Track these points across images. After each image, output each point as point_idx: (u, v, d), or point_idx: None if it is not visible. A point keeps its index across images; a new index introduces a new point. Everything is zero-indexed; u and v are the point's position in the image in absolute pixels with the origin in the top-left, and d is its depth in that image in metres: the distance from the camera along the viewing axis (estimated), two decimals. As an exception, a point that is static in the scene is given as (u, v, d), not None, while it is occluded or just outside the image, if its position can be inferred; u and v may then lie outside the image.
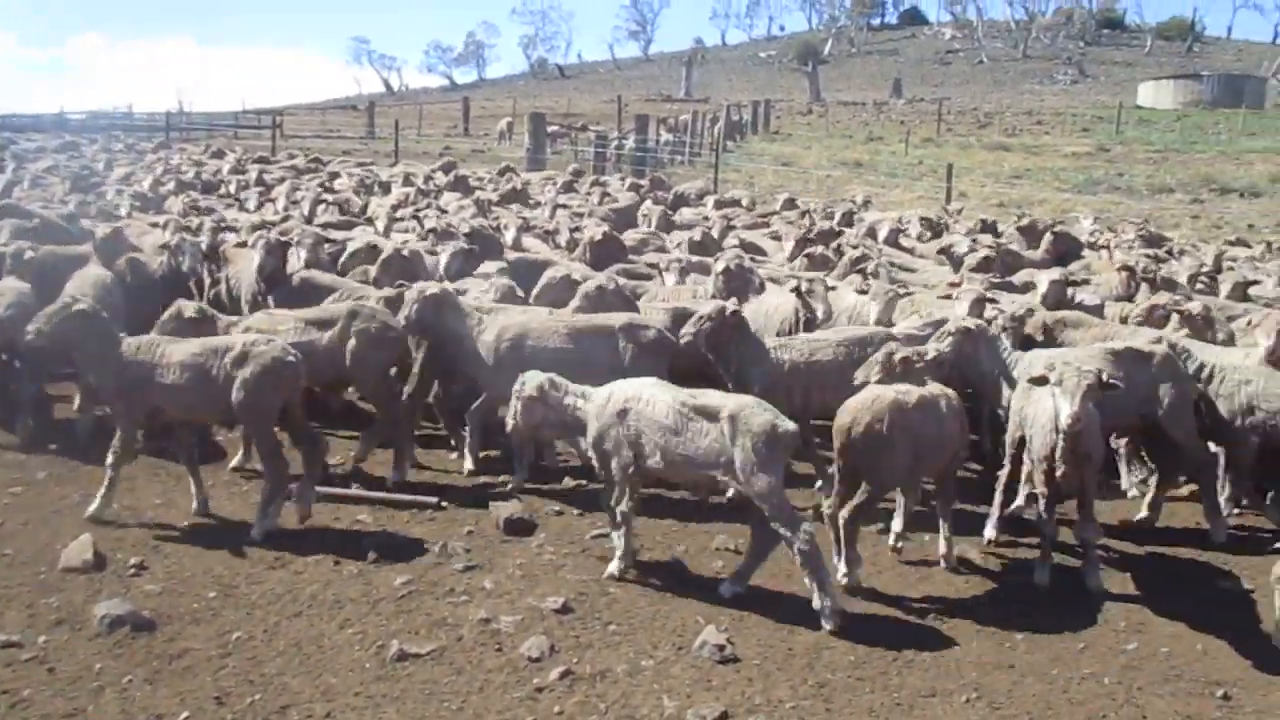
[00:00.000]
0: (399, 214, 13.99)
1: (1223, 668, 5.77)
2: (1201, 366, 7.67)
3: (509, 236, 11.97)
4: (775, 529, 5.96)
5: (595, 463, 6.52)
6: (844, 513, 6.44)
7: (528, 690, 5.26)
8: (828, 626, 5.90)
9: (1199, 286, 10.56)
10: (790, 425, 6.03)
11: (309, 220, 13.88)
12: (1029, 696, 5.40)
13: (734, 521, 7.19)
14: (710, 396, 6.28)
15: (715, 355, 7.67)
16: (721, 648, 5.64)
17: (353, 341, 7.91)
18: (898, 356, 6.75)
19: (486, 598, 6.20)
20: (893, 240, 13.35)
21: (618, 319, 7.97)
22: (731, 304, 7.87)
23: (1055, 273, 9.73)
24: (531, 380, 6.54)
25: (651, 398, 6.28)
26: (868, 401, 6.41)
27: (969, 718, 5.20)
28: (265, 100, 67.23)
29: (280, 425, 7.10)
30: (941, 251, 12.33)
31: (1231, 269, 11.82)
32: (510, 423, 6.70)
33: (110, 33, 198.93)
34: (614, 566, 6.53)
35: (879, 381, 6.65)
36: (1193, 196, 27.18)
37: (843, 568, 6.46)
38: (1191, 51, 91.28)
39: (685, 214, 16.34)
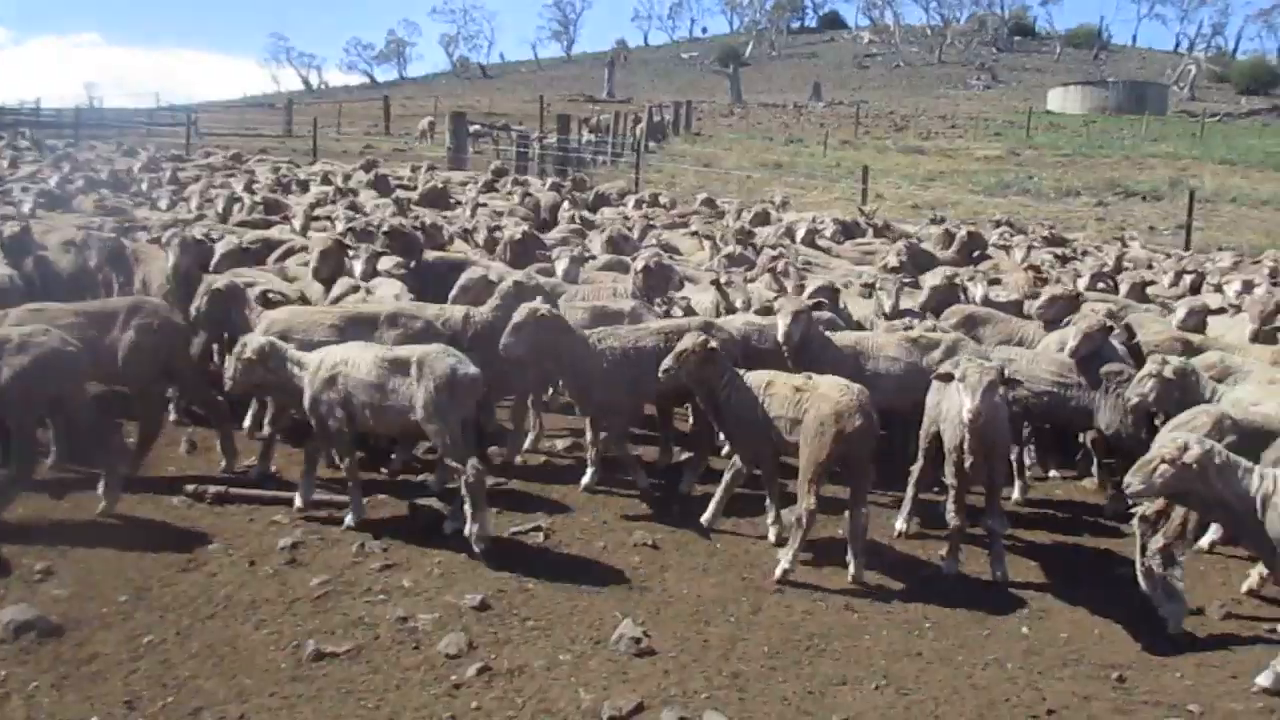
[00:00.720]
0: (316, 213, 13.84)
1: (1119, 651, 6.01)
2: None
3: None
4: (447, 463, 6.71)
5: (313, 423, 7.03)
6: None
7: (445, 687, 5.28)
8: (478, 549, 6.57)
9: (1100, 286, 10.93)
10: (470, 370, 6.66)
11: (224, 219, 13.69)
12: (935, 682, 5.57)
13: (652, 520, 7.29)
14: (402, 349, 6.93)
15: None
16: (638, 640, 5.72)
17: (130, 335, 7.67)
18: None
19: (404, 596, 6.20)
20: (809, 240, 13.58)
21: (386, 308, 8.10)
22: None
23: (938, 274, 9.86)
24: (252, 343, 7.00)
25: (357, 359, 6.86)
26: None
27: (877, 704, 5.34)
28: (181, 99, 65.72)
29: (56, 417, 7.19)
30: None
31: (1131, 269, 12.26)
32: (228, 381, 7.12)
33: (15, 28, 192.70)
34: (349, 519, 7.04)
35: None
36: (1098, 199, 28.08)
37: None
38: (1099, 59, 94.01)
39: (606, 213, 16.44)
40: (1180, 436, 5.64)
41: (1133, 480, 5.55)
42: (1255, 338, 8.74)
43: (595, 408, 7.77)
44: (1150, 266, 12.98)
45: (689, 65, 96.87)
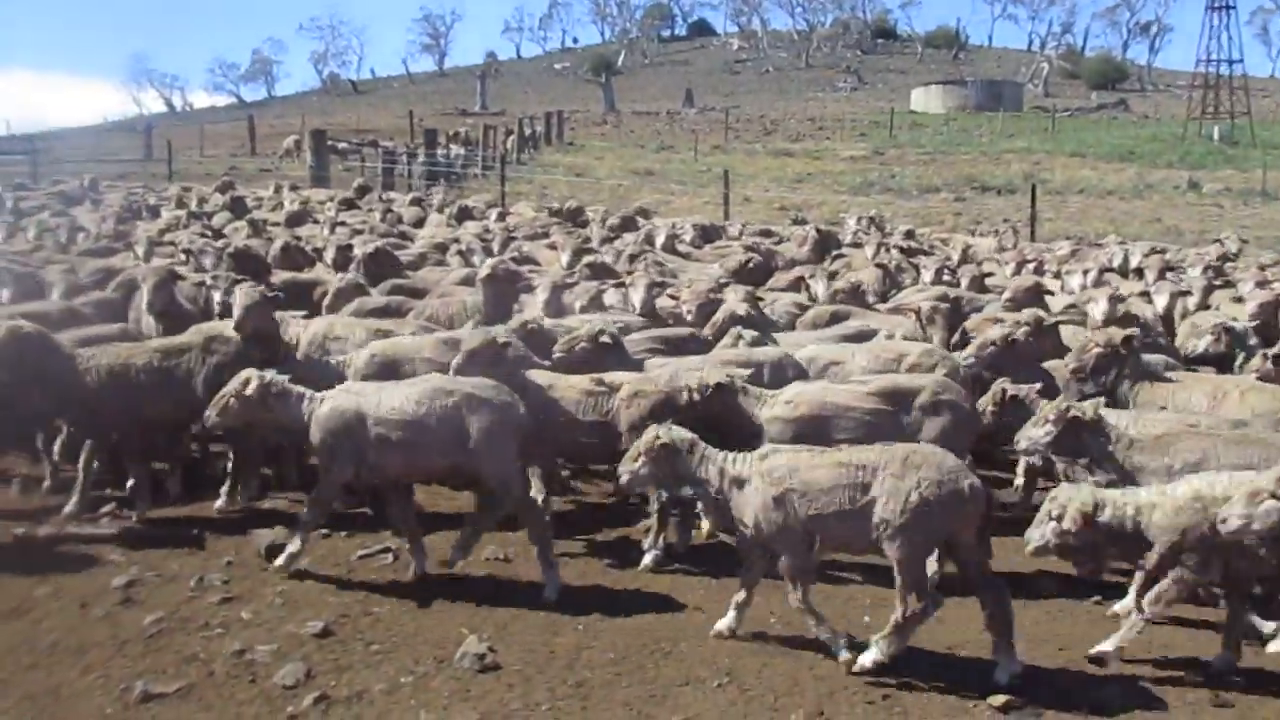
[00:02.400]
0: (166, 238, 13.44)
1: (958, 632, 6.18)
2: None
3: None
4: None
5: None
6: None
7: (281, 719, 5.15)
8: None
9: (944, 279, 11.29)
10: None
11: (65, 249, 13.19)
12: (777, 676, 5.64)
13: (506, 530, 7.24)
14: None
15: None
16: (482, 657, 5.67)
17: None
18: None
19: (243, 629, 6.03)
20: (669, 246, 13.71)
21: (204, 330, 7.87)
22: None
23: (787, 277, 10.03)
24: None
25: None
26: None
27: (719, 702, 5.39)
28: (35, 125, 62.93)
29: None
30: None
31: (977, 262, 12.70)
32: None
33: None
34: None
35: None
36: (956, 195, 29.04)
37: None
38: (958, 59, 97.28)
39: (470, 228, 16.32)
40: None
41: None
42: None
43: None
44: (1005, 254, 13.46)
45: (562, 76, 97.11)
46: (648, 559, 7.00)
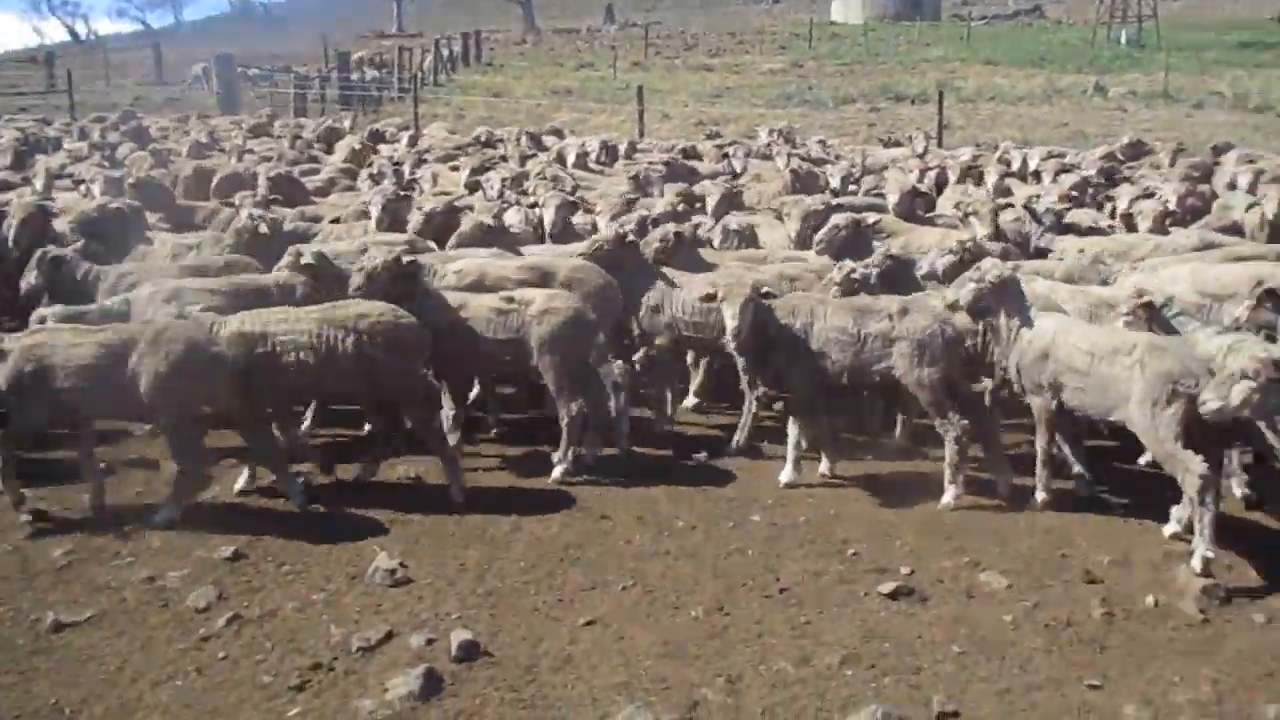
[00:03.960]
0: (67, 171, 13.09)
1: (852, 528, 6.46)
2: None
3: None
4: None
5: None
6: None
7: (193, 641, 5.25)
8: None
9: (850, 189, 11.46)
10: None
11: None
12: (680, 576, 5.88)
13: (417, 454, 7.34)
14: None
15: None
16: (393, 572, 5.81)
17: None
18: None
19: (153, 556, 6.10)
20: (581, 164, 13.70)
21: None
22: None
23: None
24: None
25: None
26: None
27: (623, 603, 5.61)
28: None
29: None
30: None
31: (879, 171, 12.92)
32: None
33: None
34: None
35: None
36: (872, 106, 29.18)
37: None
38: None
39: (384, 151, 16.10)
40: None
41: None
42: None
43: None
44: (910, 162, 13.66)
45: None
46: (557, 471, 7.17)
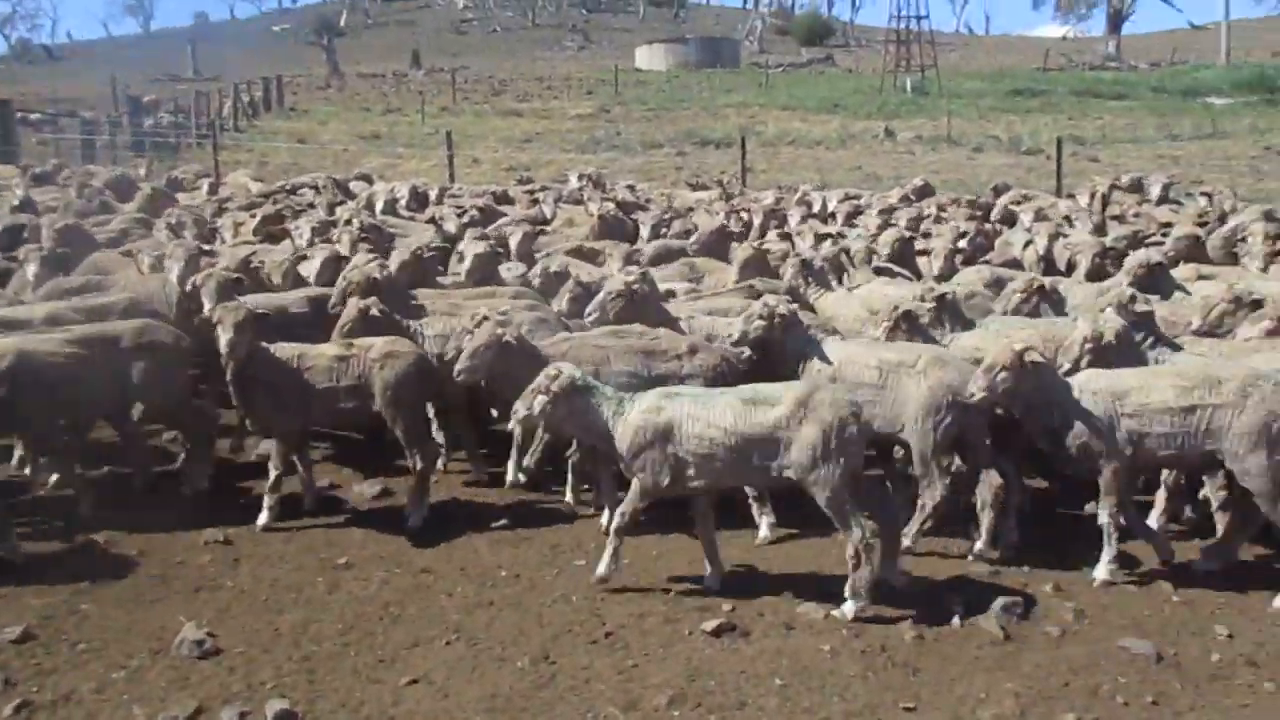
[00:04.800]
0: None
1: (674, 567, 6.52)
2: None
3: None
4: None
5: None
6: None
7: (-25, 734, 4.85)
8: None
9: (663, 233, 11.71)
10: None
11: None
12: (505, 627, 5.80)
13: (224, 523, 7.03)
14: None
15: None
16: (201, 643, 5.51)
17: None
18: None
19: (-70, 644, 5.61)
20: (390, 210, 13.51)
21: None
22: None
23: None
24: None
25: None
26: None
27: (447, 658, 5.49)
28: None
29: None
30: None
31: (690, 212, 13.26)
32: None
33: None
34: None
35: None
36: (678, 150, 29.97)
37: None
38: (678, 17, 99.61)
39: (182, 199, 15.42)
40: None
41: None
42: None
43: None
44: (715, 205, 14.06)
45: (282, 38, 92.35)
46: (414, 520, 7.07)
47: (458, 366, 6.67)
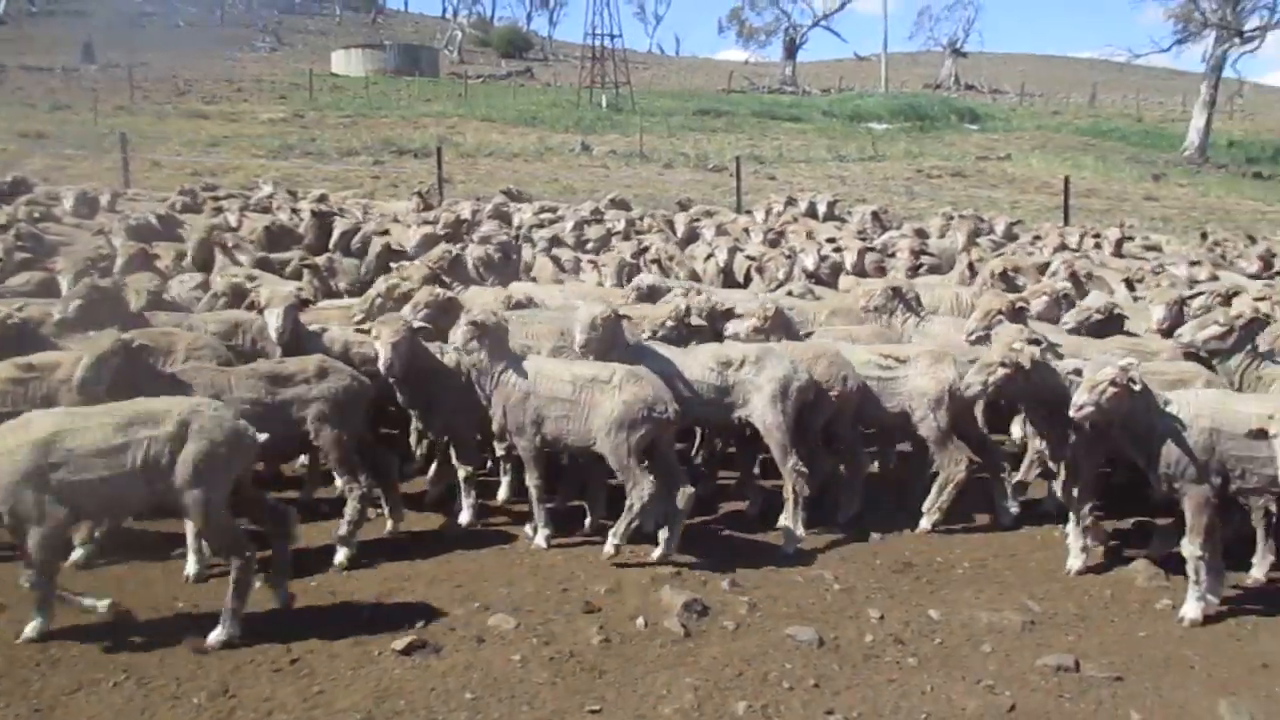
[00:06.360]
0: None
1: (362, 589, 6.43)
2: None
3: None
4: None
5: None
6: None
7: None
8: None
9: (354, 242, 11.48)
10: None
11: None
12: (180, 663, 5.48)
13: None
14: None
15: None
16: None
17: None
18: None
19: None
20: (48, 216, 12.48)
21: None
22: None
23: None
24: None
25: None
26: None
27: (114, 702, 5.14)
28: None
29: None
30: None
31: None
32: None
33: None
34: None
35: None
36: (375, 158, 29.40)
37: None
38: (376, 22, 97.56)
39: None
40: None
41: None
42: None
43: None
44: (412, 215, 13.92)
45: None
46: (340, 555, 6.76)
47: None
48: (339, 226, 11.86)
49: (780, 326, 8.10)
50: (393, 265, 9.98)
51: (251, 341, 7.84)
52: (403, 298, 8.16)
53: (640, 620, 6.05)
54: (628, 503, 6.73)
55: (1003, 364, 6.66)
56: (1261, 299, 8.61)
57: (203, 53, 75.78)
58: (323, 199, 14.73)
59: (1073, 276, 9.94)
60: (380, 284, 8.49)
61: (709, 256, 11.20)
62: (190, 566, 6.47)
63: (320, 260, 10.31)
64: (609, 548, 6.74)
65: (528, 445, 6.95)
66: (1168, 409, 6.22)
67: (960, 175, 33.18)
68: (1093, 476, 6.99)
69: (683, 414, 6.96)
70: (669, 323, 7.90)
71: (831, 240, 12.17)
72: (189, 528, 6.37)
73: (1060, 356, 7.05)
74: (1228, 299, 8.62)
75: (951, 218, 14.61)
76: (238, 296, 8.41)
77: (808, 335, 8.33)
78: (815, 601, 6.45)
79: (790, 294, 9.54)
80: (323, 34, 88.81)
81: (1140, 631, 6.18)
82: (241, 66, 67.49)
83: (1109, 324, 8.52)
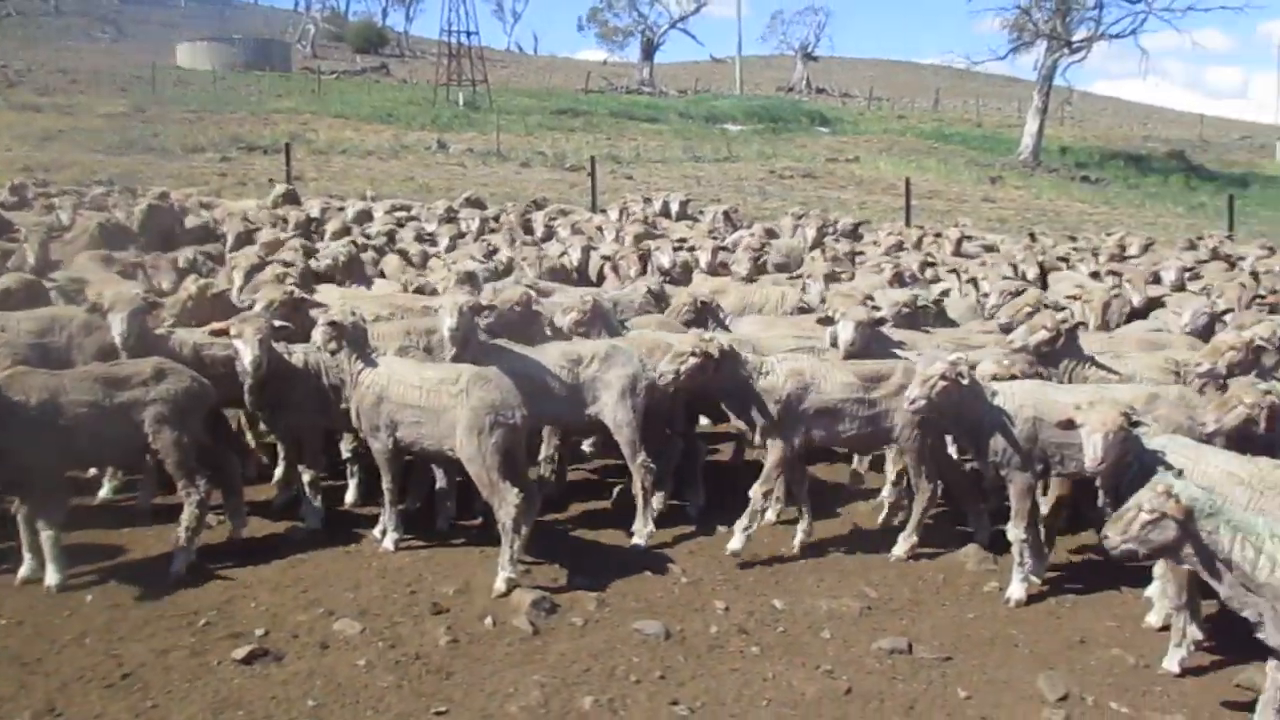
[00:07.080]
0: None
1: (202, 598, 6.25)
2: None
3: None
4: None
5: None
6: None
7: None
8: None
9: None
10: None
11: None
12: (2, 682, 5.26)
13: None
14: None
15: None
16: None
17: None
18: None
19: None
20: None
21: None
22: None
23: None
24: None
25: None
26: None
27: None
28: None
29: None
30: None
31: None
32: None
33: None
34: None
35: None
36: (223, 155, 28.44)
37: None
38: (224, 15, 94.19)
39: None
40: None
41: None
42: None
43: None
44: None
45: None
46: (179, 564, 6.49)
47: None
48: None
49: (599, 318, 8.20)
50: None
51: (68, 339, 7.53)
52: (215, 299, 7.95)
53: (489, 619, 6.05)
54: (500, 524, 6.36)
55: (693, 353, 6.86)
56: (1073, 298, 9.10)
57: (37, 42, 72.02)
58: (163, 196, 14.22)
59: (897, 275, 10.40)
60: (190, 285, 8.22)
61: (563, 254, 11.24)
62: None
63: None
64: (500, 584, 6.29)
65: (381, 448, 6.84)
66: (994, 400, 6.55)
67: (811, 176, 34.06)
68: (934, 469, 7.27)
69: (535, 414, 6.93)
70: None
71: (684, 240, 12.34)
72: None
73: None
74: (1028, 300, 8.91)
75: (800, 217, 14.98)
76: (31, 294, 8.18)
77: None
78: (663, 595, 6.56)
79: (649, 291, 9.64)
80: (167, 25, 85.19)
81: (969, 613, 6.48)
82: (79, 57, 64.29)
83: (915, 317, 8.80)
